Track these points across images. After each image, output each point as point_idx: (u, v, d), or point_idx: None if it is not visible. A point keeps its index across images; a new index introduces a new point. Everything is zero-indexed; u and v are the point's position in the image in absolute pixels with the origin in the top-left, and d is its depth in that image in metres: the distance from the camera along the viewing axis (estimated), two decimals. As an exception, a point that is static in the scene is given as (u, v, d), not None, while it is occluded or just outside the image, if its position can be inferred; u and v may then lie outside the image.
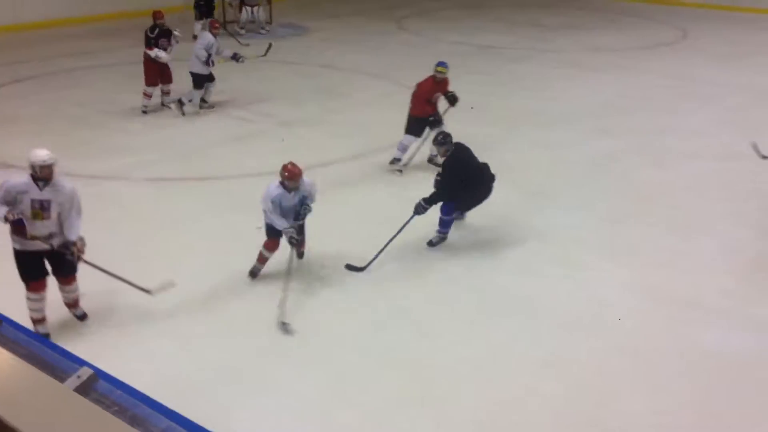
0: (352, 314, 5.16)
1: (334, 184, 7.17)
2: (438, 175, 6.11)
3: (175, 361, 4.58)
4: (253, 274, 5.54)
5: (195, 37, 9.59)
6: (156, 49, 9.37)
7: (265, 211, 5.33)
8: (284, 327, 4.90)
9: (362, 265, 5.67)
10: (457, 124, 7.56)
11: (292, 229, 5.24)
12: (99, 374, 1.76)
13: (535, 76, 11.79)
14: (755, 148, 6.65)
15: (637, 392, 4.37)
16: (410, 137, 7.75)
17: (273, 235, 5.40)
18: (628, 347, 4.79)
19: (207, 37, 9.34)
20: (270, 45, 10.95)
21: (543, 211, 6.85)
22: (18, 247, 4.52)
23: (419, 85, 7.82)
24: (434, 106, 7.75)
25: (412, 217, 5.86)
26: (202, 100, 9.73)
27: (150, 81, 9.50)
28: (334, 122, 9.56)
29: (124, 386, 1.76)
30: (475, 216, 6.50)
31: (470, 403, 4.26)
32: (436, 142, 6.11)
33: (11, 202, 4.38)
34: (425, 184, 6.22)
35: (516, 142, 8.75)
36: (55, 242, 4.51)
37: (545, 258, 5.95)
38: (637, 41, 14.71)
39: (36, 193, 4.40)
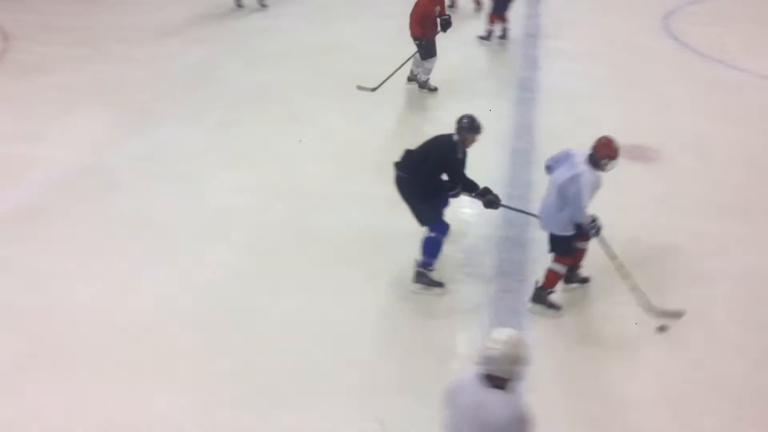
0: None
1: None
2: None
3: None
4: (555, 306, 4.46)
5: None
6: None
7: (581, 209, 4.10)
8: None
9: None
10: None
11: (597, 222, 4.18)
12: None
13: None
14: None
15: (267, 287, 4.71)
16: (432, 59, 7.38)
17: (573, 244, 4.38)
18: (255, 246, 5.07)
19: None
20: None
21: (148, 128, 6.66)
22: None
23: (417, 3, 7.26)
24: (427, 27, 7.19)
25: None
26: None
27: None
28: None
29: None
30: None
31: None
32: (476, 130, 4.52)
33: None
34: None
35: (106, 61, 8.20)
36: None
37: (160, 178, 5.85)
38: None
39: None
